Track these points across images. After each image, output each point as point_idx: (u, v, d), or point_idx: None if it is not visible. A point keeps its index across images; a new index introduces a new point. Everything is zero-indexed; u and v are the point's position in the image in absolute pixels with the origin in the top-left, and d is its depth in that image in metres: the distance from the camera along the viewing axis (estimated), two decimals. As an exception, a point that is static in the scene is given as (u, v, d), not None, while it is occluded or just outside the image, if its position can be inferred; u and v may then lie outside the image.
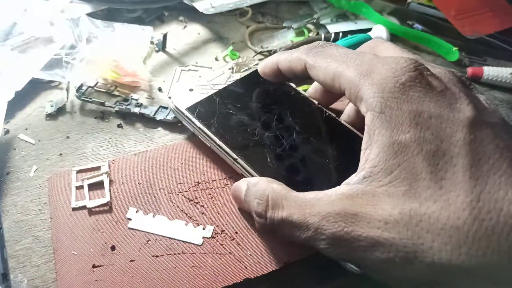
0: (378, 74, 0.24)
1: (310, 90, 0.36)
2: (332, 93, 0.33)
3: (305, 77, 0.31)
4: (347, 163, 0.31)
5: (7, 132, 0.37)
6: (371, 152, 0.24)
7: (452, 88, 0.24)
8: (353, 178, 0.24)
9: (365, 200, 0.23)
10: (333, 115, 0.34)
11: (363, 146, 0.24)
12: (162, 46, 0.45)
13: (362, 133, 0.26)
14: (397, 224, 0.21)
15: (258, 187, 0.27)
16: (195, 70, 0.43)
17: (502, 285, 0.20)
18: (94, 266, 0.28)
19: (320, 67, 0.28)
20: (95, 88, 0.40)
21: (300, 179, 0.30)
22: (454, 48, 0.45)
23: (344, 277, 0.29)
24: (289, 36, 0.48)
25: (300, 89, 0.37)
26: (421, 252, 0.21)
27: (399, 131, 0.23)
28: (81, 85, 0.39)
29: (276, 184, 0.27)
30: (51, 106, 0.38)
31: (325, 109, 0.35)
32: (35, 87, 0.40)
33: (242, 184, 0.29)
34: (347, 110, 0.35)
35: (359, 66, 0.26)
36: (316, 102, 0.36)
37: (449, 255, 0.20)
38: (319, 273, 0.29)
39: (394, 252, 0.21)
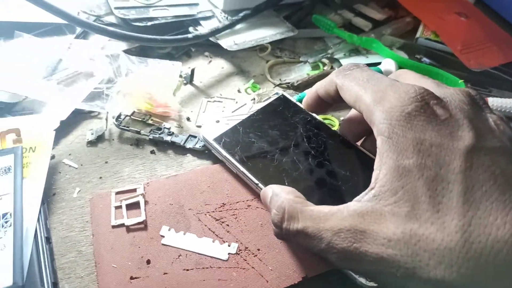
0: (388, 102, 0.27)
1: (341, 128, 0.38)
2: (358, 126, 0.36)
3: (339, 99, 0.33)
4: (360, 182, 0.34)
5: (53, 157, 0.41)
6: (380, 173, 0.26)
7: (457, 115, 0.25)
8: (363, 195, 0.26)
9: (373, 218, 0.25)
10: (347, 138, 0.38)
11: (375, 166, 0.27)
12: (190, 79, 0.49)
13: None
14: (399, 242, 0.23)
15: (278, 197, 0.30)
16: (220, 101, 0.47)
17: None
18: (131, 278, 0.31)
19: (347, 89, 0.30)
20: (132, 117, 0.44)
21: (316, 197, 0.33)
22: (460, 81, 0.48)
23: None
24: (306, 70, 0.52)
25: (316, 115, 0.40)
26: (419, 269, 0.23)
27: (404, 156, 0.25)
28: (120, 115, 0.44)
29: (294, 195, 0.30)
30: (92, 134, 0.43)
31: (339, 133, 0.38)
32: (77, 117, 0.45)
33: (268, 191, 0.32)
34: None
35: (375, 92, 0.28)
36: (331, 127, 0.39)
37: (443, 272, 0.22)
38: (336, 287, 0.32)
39: (396, 267, 0.24)
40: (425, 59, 0.53)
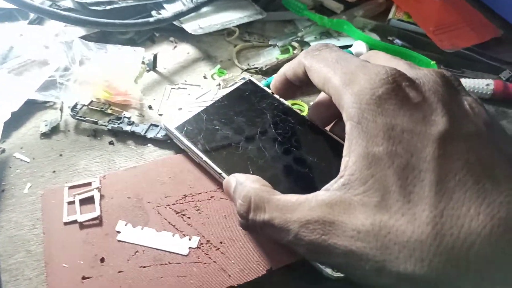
0: (358, 84, 0.25)
1: (309, 112, 0.36)
2: (327, 110, 0.34)
3: (308, 82, 0.31)
4: (329, 169, 0.33)
5: (3, 151, 0.38)
6: (349, 160, 0.24)
7: (430, 98, 0.24)
8: (333, 184, 0.25)
9: (342, 209, 0.23)
10: (315, 123, 0.36)
11: (344, 153, 0.25)
12: (153, 65, 0.46)
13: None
14: (368, 234, 0.22)
15: (243, 186, 0.28)
16: (184, 88, 0.45)
17: None
18: (83, 278, 0.29)
19: (315, 70, 0.29)
20: (89, 106, 0.41)
21: (283, 185, 0.31)
22: (432, 62, 0.46)
23: (326, 284, 0.30)
24: (275, 54, 0.50)
25: (284, 100, 0.38)
26: (389, 262, 0.22)
27: (373, 143, 0.23)
28: (76, 104, 0.41)
29: (260, 184, 0.28)
30: (46, 125, 0.40)
31: (308, 118, 0.37)
32: (30, 108, 0.42)
33: (231, 180, 0.30)
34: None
35: (344, 74, 0.26)
36: (299, 112, 0.37)
37: (413, 266, 0.21)
38: (303, 279, 0.30)
39: (365, 260, 0.22)
40: (397, 41, 0.52)
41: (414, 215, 0.21)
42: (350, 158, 0.24)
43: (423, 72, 0.26)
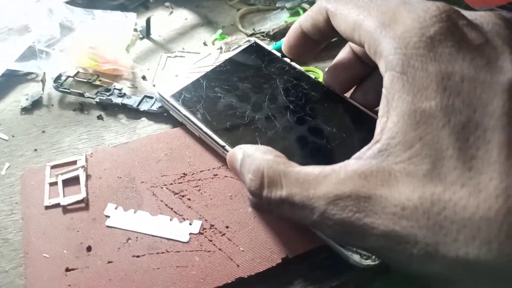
0: (401, 25, 0.20)
1: (325, 76, 0.32)
2: (346, 72, 0.30)
3: (331, 33, 0.26)
4: (350, 139, 0.28)
5: (-22, 128, 0.34)
6: (388, 120, 0.20)
7: (494, 40, 0.20)
8: (365, 151, 0.20)
9: (380, 180, 0.19)
10: (333, 89, 0.31)
11: (380, 113, 0.21)
12: (146, 32, 0.42)
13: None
14: (416, 210, 0.18)
15: (252, 159, 0.24)
16: (182, 56, 0.40)
17: None
18: (67, 270, 0.25)
19: (342, 14, 0.24)
20: (75, 78, 0.37)
21: (298, 159, 0.26)
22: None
23: (350, 273, 0.25)
24: (283, 17, 0.44)
25: (296, 64, 0.33)
26: (444, 245, 0.17)
27: (422, 96, 0.19)
28: (60, 75, 0.36)
29: (273, 155, 0.23)
30: (27, 99, 0.35)
31: (324, 84, 0.32)
32: (9, 81, 0.37)
33: (237, 152, 0.25)
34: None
35: (382, 14, 0.21)
36: (313, 77, 0.32)
37: (477, 250, 0.17)
38: (324, 269, 0.26)
39: (411, 243, 0.18)
40: None
41: (478, 186, 0.17)
42: (390, 118, 0.20)
43: (479, 13, 0.21)
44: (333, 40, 0.39)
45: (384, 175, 0.19)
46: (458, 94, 0.18)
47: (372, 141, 0.20)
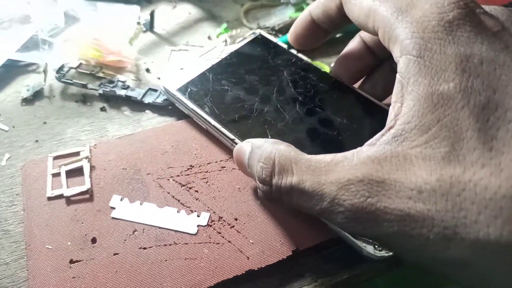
0: (420, 10, 0.20)
1: (334, 66, 0.31)
2: (355, 63, 0.29)
3: (341, 21, 0.26)
4: (361, 130, 0.28)
5: (-23, 119, 0.33)
6: (403, 106, 0.20)
7: (510, 28, 0.20)
8: (379, 137, 0.20)
9: (395, 165, 0.19)
10: (341, 80, 0.31)
11: (393, 98, 0.20)
12: (150, 25, 0.41)
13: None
14: (434, 193, 0.17)
15: (263, 149, 0.23)
16: (186, 50, 0.39)
17: None
18: (71, 262, 0.24)
19: (355, 1, 0.24)
20: (78, 69, 0.36)
21: (308, 150, 0.26)
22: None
23: (361, 266, 0.25)
24: (288, 13, 0.44)
25: (303, 56, 0.33)
26: (463, 227, 0.17)
27: (440, 79, 0.19)
28: (62, 66, 0.36)
29: (284, 145, 0.23)
30: (27, 90, 0.35)
31: (332, 75, 0.31)
32: (10, 71, 0.36)
33: (245, 146, 0.25)
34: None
35: (399, 0, 0.21)
36: (320, 68, 0.32)
37: (499, 230, 0.16)
38: (336, 261, 0.25)
39: (428, 227, 0.18)
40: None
41: (500, 166, 0.17)
42: (405, 102, 0.19)
43: (493, 7, 0.21)
44: (337, 36, 0.39)
45: (399, 160, 0.19)
46: (477, 75, 0.18)
47: (386, 127, 0.20)
